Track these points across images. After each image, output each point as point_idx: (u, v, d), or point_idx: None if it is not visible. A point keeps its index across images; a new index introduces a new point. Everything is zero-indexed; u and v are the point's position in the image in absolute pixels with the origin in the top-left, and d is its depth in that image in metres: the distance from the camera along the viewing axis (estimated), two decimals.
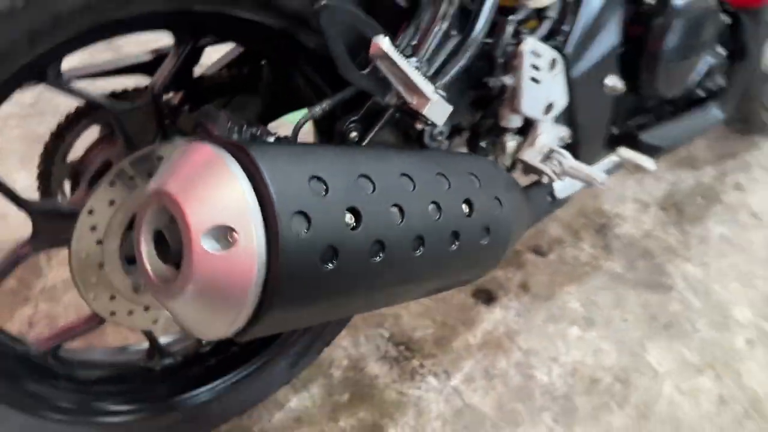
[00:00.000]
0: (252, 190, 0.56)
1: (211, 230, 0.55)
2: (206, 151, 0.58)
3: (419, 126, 0.76)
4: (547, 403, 1.25)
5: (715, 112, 1.30)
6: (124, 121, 0.81)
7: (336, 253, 0.59)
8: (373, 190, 0.64)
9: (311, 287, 0.58)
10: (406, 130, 0.82)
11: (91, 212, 0.79)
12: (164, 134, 0.85)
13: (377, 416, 1.19)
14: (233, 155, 0.58)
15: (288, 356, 1.09)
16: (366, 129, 0.85)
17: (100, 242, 0.81)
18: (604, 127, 1.14)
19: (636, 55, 1.09)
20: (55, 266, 1.33)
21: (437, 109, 0.74)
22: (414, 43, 0.86)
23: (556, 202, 1.14)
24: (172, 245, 0.57)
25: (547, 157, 0.97)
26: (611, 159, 1.12)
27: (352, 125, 0.85)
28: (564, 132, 1.06)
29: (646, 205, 1.75)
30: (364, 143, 0.85)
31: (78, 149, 0.92)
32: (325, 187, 0.60)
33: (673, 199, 1.78)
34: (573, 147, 1.10)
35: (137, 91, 0.88)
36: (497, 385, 1.27)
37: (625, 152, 1.10)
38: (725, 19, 1.27)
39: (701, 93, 1.28)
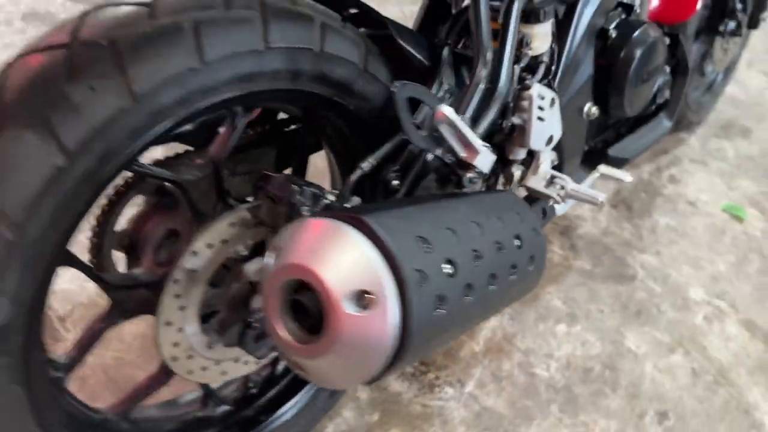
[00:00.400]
0: (379, 255, 0.65)
1: (351, 295, 0.63)
2: (328, 226, 0.67)
3: (469, 174, 0.86)
4: (551, 396, 1.39)
5: (665, 122, 1.48)
6: (191, 192, 0.87)
7: (443, 300, 0.69)
8: (458, 240, 0.74)
9: (430, 331, 0.68)
10: (446, 175, 0.92)
11: (176, 281, 0.84)
12: (223, 200, 0.91)
13: (408, 429, 1.28)
14: (352, 225, 0.67)
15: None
16: (404, 176, 0.95)
17: (182, 308, 0.87)
18: (582, 147, 1.29)
19: (605, 83, 1.25)
20: (71, 328, 1.34)
21: (485, 159, 0.85)
22: (440, 95, 0.97)
23: (546, 218, 1.28)
24: (312, 312, 0.65)
25: (550, 182, 1.10)
26: (594, 176, 1.27)
27: (393, 174, 0.95)
28: (553, 156, 1.20)
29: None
30: (404, 187, 0.95)
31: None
32: (427, 244, 0.69)
33: (620, 197, 1.97)
34: (558, 168, 1.25)
35: (191, 160, 0.94)
36: (506, 386, 1.40)
37: (605, 169, 1.25)
38: (666, 40, 1.46)
39: (652, 107, 1.46)
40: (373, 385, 1.36)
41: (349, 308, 0.63)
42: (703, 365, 1.51)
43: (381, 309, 0.64)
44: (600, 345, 1.52)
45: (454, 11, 1.16)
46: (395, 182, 0.95)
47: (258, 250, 0.92)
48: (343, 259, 0.64)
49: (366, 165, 0.91)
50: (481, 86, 0.90)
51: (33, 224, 0.66)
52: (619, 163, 1.38)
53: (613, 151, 1.38)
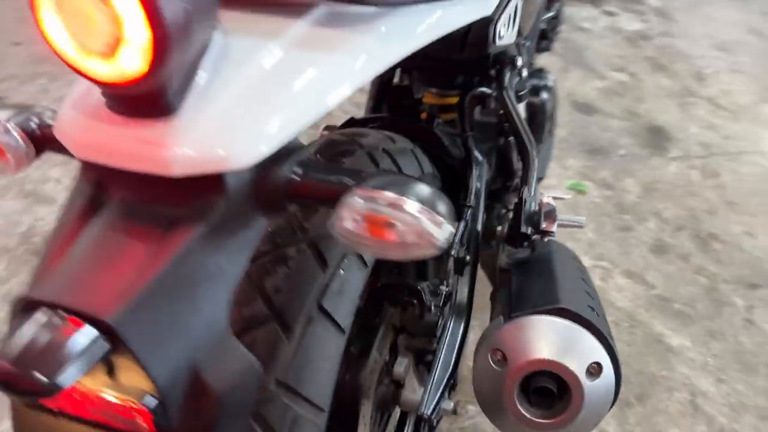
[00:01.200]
0: (587, 331, 0.84)
1: (586, 370, 0.82)
2: (542, 321, 0.84)
3: (546, 239, 1.08)
4: None
5: (551, 139, 1.84)
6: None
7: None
8: (593, 299, 0.95)
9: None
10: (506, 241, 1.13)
11: (363, 405, 0.93)
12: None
13: None
14: (557, 315, 0.85)
15: None
16: (468, 249, 1.13)
17: (363, 426, 0.95)
18: None
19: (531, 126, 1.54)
20: None
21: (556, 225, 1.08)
22: (477, 174, 1.16)
23: None
24: (555, 392, 0.82)
25: None
26: None
27: (463, 250, 1.12)
28: None
29: None
30: (471, 259, 1.13)
31: None
32: (594, 310, 0.90)
33: None
34: None
35: None
36: None
37: (547, 192, 1.54)
38: None
39: None
40: None
41: (586, 380, 0.82)
42: (617, 316, 1.92)
43: (605, 373, 0.83)
44: None
45: (417, 95, 1.35)
46: (467, 257, 1.12)
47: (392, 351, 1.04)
48: (570, 344, 0.83)
49: (454, 252, 1.08)
50: (536, 164, 1.11)
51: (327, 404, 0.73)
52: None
53: None
